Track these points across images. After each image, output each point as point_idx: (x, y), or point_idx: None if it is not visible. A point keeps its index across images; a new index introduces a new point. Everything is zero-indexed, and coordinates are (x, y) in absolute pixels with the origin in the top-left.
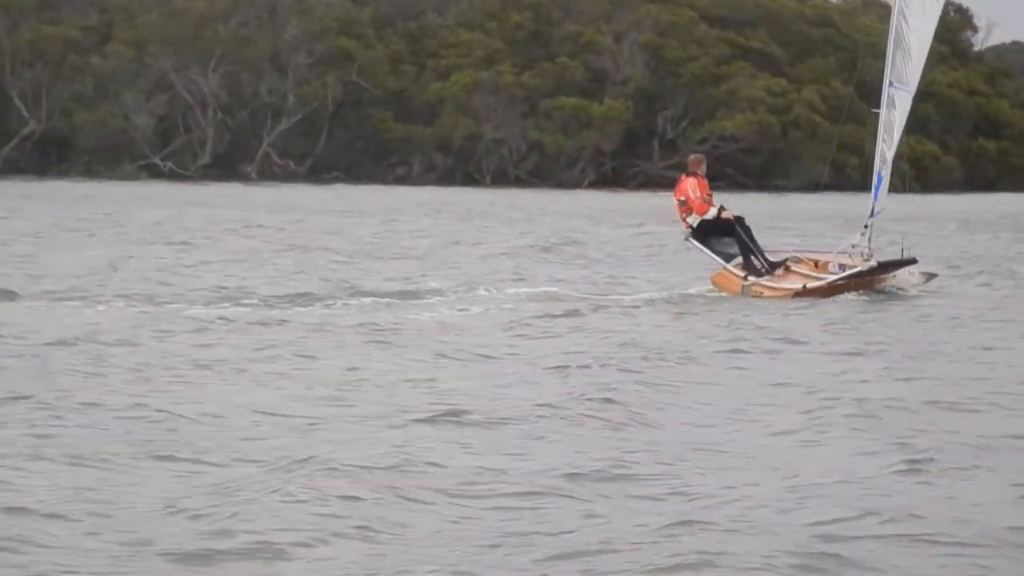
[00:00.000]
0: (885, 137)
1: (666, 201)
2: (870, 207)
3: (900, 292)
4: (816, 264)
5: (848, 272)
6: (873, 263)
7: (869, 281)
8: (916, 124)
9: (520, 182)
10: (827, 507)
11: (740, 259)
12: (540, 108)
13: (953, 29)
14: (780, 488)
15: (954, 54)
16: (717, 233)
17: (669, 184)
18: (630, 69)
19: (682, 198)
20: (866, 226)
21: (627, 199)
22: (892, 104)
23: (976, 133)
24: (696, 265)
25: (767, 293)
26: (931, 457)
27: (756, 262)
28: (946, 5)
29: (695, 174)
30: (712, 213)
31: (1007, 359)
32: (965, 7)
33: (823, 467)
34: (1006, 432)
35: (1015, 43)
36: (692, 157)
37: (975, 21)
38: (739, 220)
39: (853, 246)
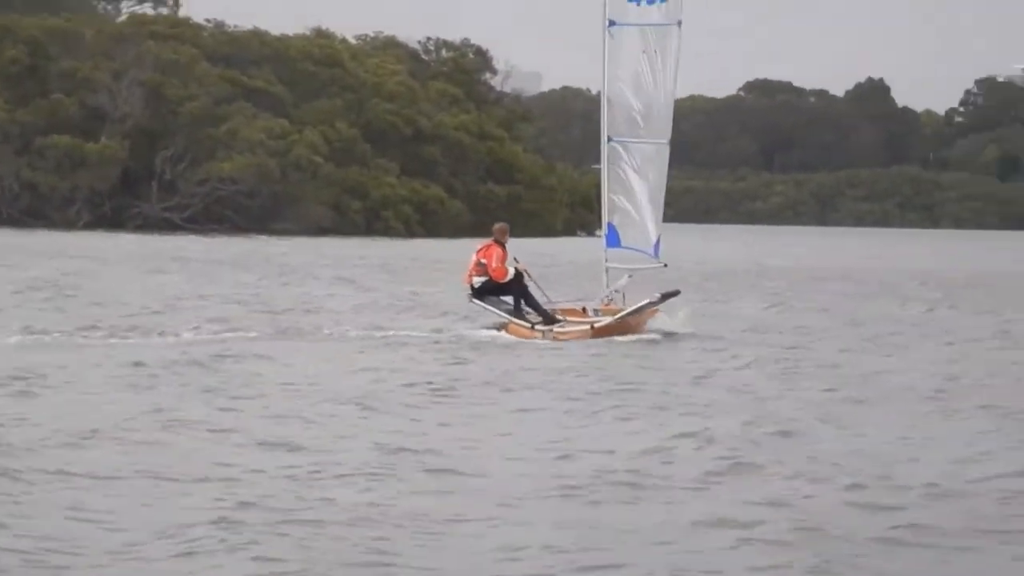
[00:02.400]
0: (616, 188)
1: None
2: (604, 255)
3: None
4: (583, 310)
5: (637, 306)
6: (656, 295)
7: (639, 322)
8: (422, 167)
9: (14, 222)
10: None
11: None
12: (34, 146)
13: (470, 71)
14: None
15: (469, 97)
16: (495, 293)
17: (169, 226)
18: (128, 107)
19: (484, 261)
20: (630, 275)
21: (133, 241)
22: (619, 157)
23: (487, 177)
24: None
25: (567, 336)
26: None
27: (537, 313)
28: (465, 46)
29: (501, 243)
30: (507, 278)
31: None
32: (485, 49)
33: None
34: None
35: (565, 88)
36: (499, 226)
37: (495, 64)
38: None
39: (616, 290)
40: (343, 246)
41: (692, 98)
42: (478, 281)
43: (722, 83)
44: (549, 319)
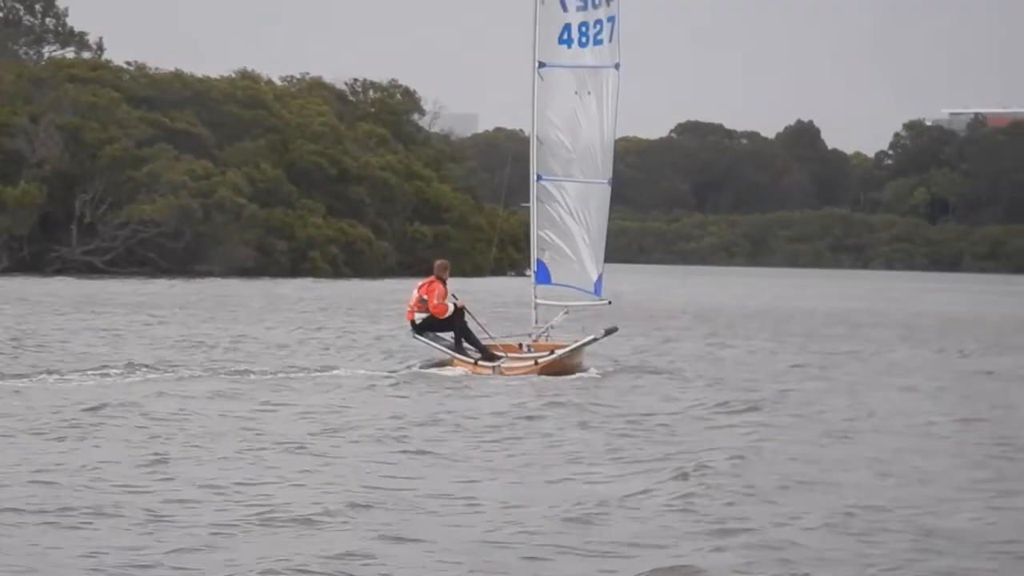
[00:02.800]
0: (545, 225)
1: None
2: (533, 292)
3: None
4: (519, 346)
5: (582, 342)
6: (601, 331)
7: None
8: (348, 208)
9: None
10: None
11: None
12: None
13: (397, 112)
14: None
15: (397, 137)
16: (436, 329)
17: (90, 269)
18: (46, 151)
19: (425, 297)
20: (566, 311)
21: (54, 285)
22: (550, 196)
23: (415, 217)
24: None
25: (513, 372)
26: None
27: (476, 349)
28: (393, 87)
29: (442, 279)
30: (447, 314)
31: None
32: (412, 90)
33: None
34: None
35: (498, 129)
36: (440, 263)
37: (423, 104)
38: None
39: (552, 326)
40: (276, 287)
41: (625, 139)
42: (419, 317)
43: (654, 124)
44: (488, 355)
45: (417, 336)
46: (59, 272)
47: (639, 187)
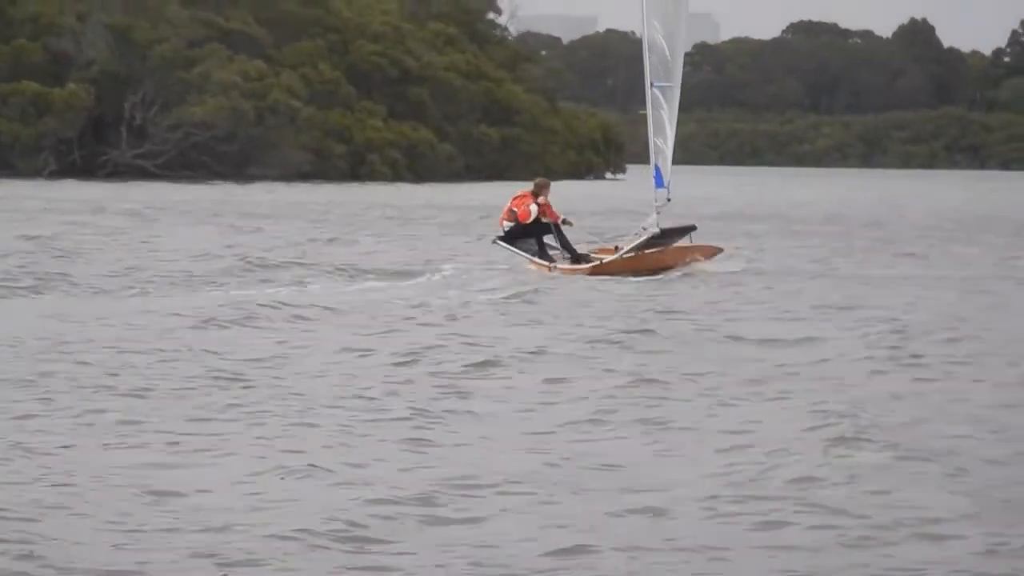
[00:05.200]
0: (657, 132)
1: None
2: (654, 196)
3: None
4: (616, 249)
5: (635, 243)
6: (656, 230)
7: (660, 258)
8: (411, 110)
9: None
10: None
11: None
12: None
13: (471, 11)
14: None
15: (472, 38)
16: (522, 236)
17: (142, 173)
18: (94, 52)
19: (516, 210)
20: (657, 211)
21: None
22: (659, 103)
23: (483, 119)
24: None
25: (568, 272)
26: None
27: (568, 251)
28: None
29: (536, 195)
30: (531, 220)
31: None
32: None
33: None
34: None
35: (610, 31)
36: (540, 181)
37: (498, 3)
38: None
39: (644, 228)
40: (370, 193)
41: (737, 40)
42: (507, 226)
43: (767, 25)
44: (577, 259)
45: (500, 243)
46: (110, 176)
47: (751, 89)
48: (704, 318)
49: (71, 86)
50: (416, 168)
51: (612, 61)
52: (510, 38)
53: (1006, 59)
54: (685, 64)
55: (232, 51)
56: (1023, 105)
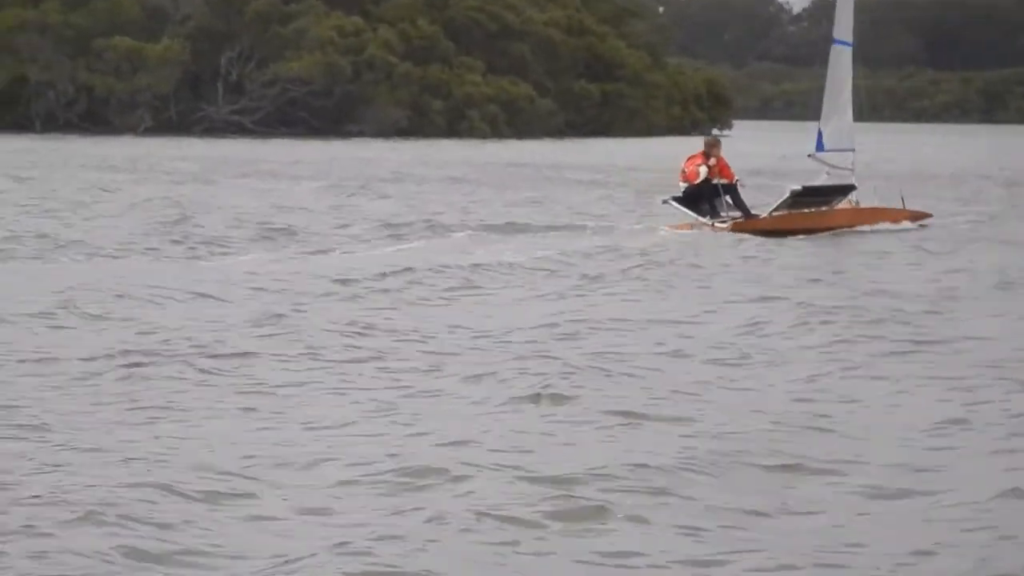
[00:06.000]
0: (831, 94)
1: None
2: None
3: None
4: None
5: (780, 202)
6: (797, 187)
7: (823, 218)
8: (510, 66)
9: (71, 127)
10: None
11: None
12: (92, 48)
13: None
14: None
15: None
16: (695, 197)
17: (237, 130)
18: (189, 7)
19: (686, 170)
20: (827, 172)
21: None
22: (837, 62)
23: (585, 75)
24: None
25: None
26: None
27: (741, 210)
28: None
29: (708, 155)
30: (699, 180)
31: None
32: None
33: None
34: None
35: None
36: (708, 139)
37: None
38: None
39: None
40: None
41: None
42: (682, 187)
43: None
44: (749, 216)
45: (672, 202)
46: (206, 132)
47: (869, 44)
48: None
49: (166, 41)
50: (515, 124)
51: (728, 15)
52: None
53: None
54: (804, 19)
55: (329, 6)
56: None
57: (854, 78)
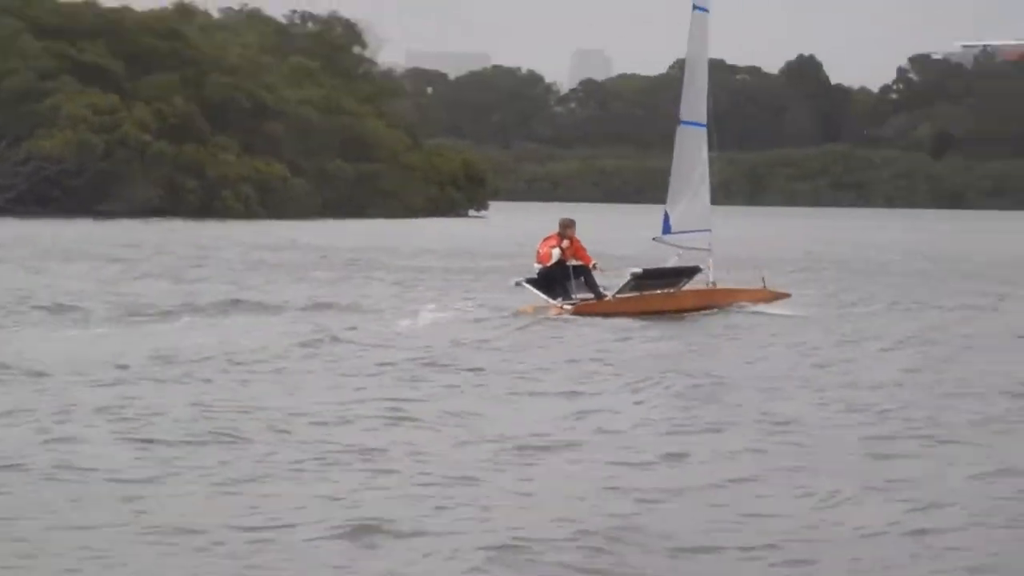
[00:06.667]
0: (680, 173)
1: None
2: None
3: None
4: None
5: (622, 285)
6: (638, 270)
7: (670, 300)
8: (266, 145)
9: None
10: None
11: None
12: None
13: (337, 45)
14: None
15: (335, 72)
16: (548, 279)
17: None
18: None
19: (540, 251)
20: (678, 255)
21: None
22: (688, 142)
23: (344, 154)
24: None
25: (560, 312)
26: None
27: (593, 292)
28: (333, 19)
29: (562, 236)
30: (551, 263)
31: None
32: (354, 22)
33: None
34: None
35: (496, 67)
36: (562, 220)
37: (365, 38)
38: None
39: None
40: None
41: (624, 77)
42: (536, 268)
43: (654, 61)
44: (600, 297)
45: (524, 284)
46: None
47: (638, 125)
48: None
49: None
50: (269, 203)
51: (496, 95)
52: (376, 72)
53: (893, 95)
54: (571, 100)
55: (85, 84)
56: (909, 141)
57: (625, 158)
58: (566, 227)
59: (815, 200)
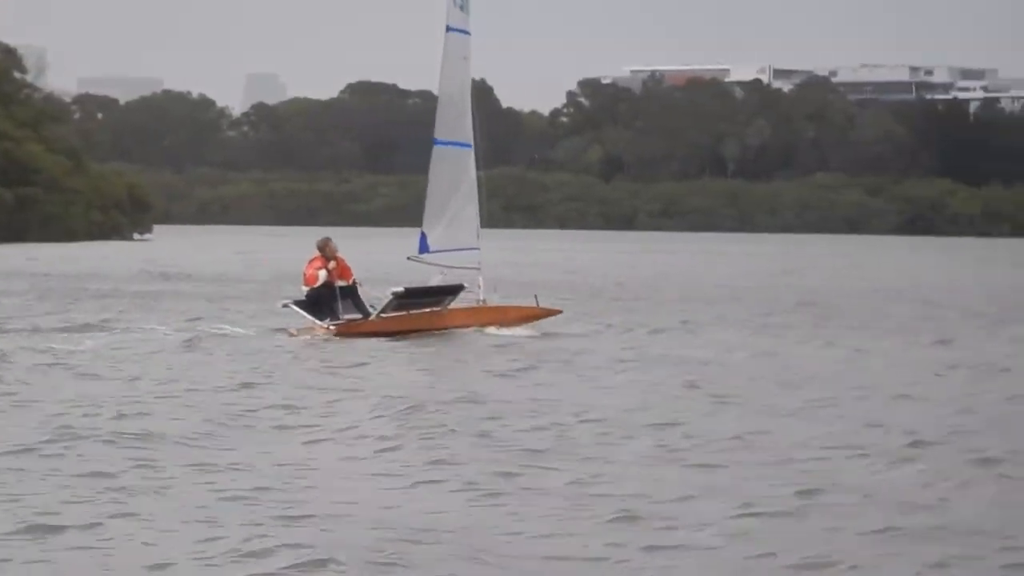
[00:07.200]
0: (438, 193)
1: None
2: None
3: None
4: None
5: (384, 304)
6: (400, 289)
7: (436, 318)
8: None
9: None
10: None
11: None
12: None
13: None
14: None
15: None
16: (316, 300)
17: None
18: None
19: (305, 273)
20: (442, 273)
21: None
22: (446, 162)
23: (1, 179)
24: None
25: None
26: None
27: (360, 312)
28: None
29: (326, 256)
30: (318, 284)
31: None
32: (13, 47)
33: None
34: None
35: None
36: (320, 241)
37: (25, 63)
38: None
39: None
40: None
41: (296, 100)
42: (304, 290)
43: (325, 85)
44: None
45: (292, 306)
46: None
47: (309, 149)
48: None
49: None
50: None
51: (169, 120)
52: (37, 97)
53: (563, 119)
54: (244, 124)
55: None
56: (580, 164)
57: (297, 181)
58: (325, 247)
59: (488, 222)
